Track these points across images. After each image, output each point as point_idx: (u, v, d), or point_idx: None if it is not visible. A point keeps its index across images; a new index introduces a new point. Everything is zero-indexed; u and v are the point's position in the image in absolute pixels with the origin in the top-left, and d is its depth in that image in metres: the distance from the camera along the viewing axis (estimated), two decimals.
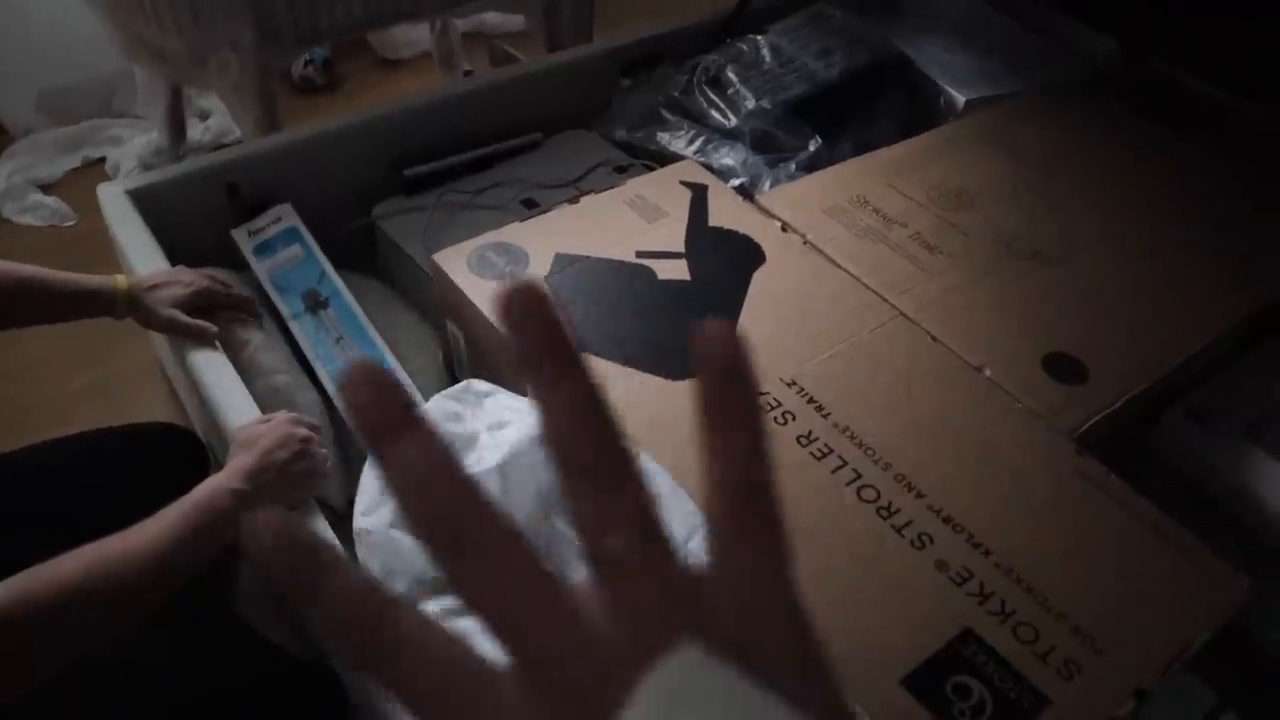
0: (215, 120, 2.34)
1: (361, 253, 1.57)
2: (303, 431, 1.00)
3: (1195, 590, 0.97)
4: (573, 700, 0.23)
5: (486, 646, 0.25)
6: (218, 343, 1.18)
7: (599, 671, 0.24)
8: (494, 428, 1.01)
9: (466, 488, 0.25)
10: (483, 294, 1.21)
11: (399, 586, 0.89)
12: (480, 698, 0.24)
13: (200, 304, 1.19)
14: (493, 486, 0.93)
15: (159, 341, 1.49)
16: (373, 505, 0.94)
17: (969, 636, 0.90)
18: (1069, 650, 0.90)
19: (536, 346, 0.26)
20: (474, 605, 0.25)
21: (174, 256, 1.30)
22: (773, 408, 1.08)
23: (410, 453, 0.25)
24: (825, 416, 1.08)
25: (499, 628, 0.24)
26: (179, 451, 1.31)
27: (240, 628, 1.29)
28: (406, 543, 0.91)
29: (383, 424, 0.25)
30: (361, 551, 0.92)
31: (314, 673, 1.15)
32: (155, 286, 1.18)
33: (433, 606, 0.89)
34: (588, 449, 0.26)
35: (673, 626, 0.24)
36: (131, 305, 1.16)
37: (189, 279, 1.19)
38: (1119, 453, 1.13)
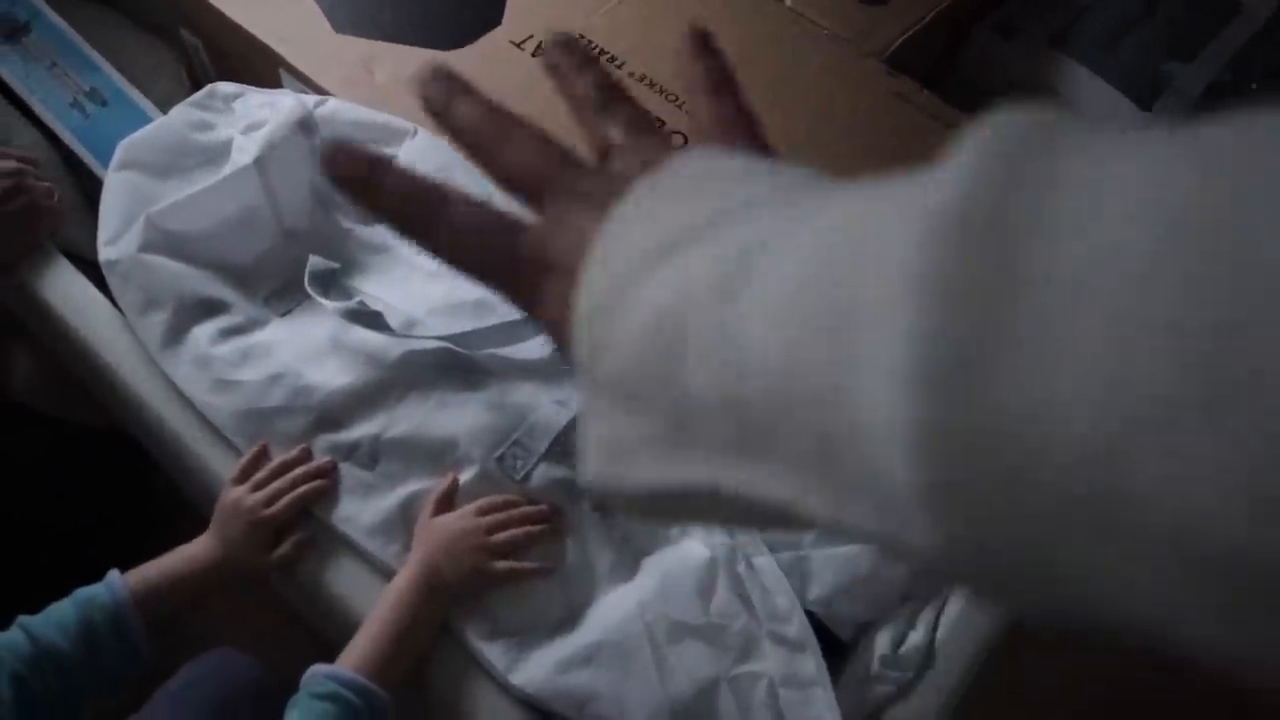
0: None
1: None
2: (9, 164, 0.84)
3: None
4: (586, 206, 0.27)
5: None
6: None
7: (607, 189, 0.27)
8: (249, 129, 0.88)
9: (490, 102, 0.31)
10: None
11: (163, 315, 0.78)
12: (511, 237, 0.29)
13: None
14: (251, 184, 0.81)
15: None
16: (116, 233, 0.81)
17: None
18: None
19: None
20: (505, 177, 0.30)
21: None
22: None
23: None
24: (620, 67, 0.98)
25: (527, 185, 0.30)
26: None
27: (28, 413, 1.17)
28: (160, 264, 0.79)
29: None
30: (115, 283, 0.80)
31: (109, 438, 1.05)
32: None
33: (208, 329, 0.79)
34: (586, 82, 0.32)
35: (669, 152, 0.28)
36: None
37: None
38: (931, 77, 1.08)
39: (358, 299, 0.79)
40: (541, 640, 0.69)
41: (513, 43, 0.99)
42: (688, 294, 0.23)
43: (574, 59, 0.33)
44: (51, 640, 0.63)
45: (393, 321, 0.77)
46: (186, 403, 0.78)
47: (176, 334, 0.79)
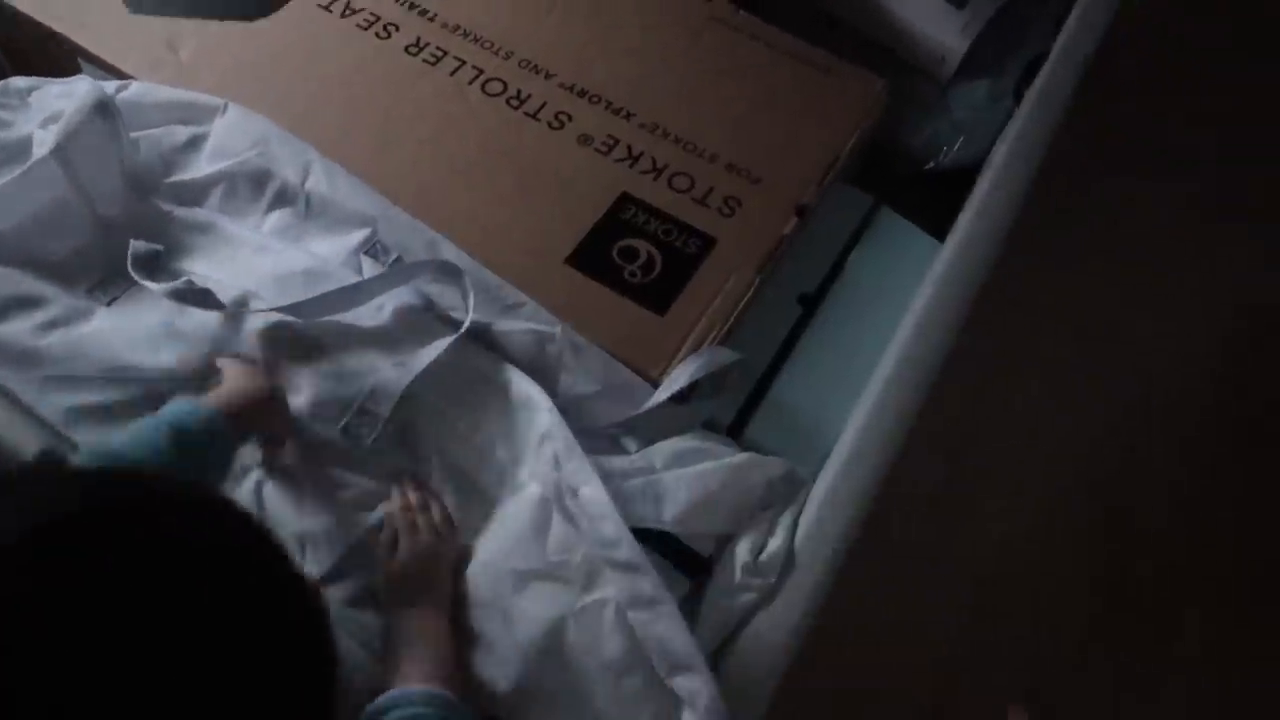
0: None
1: None
2: None
3: (836, 100, 0.97)
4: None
5: None
6: None
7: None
8: (48, 122, 0.84)
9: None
10: None
11: None
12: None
13: None
14: (54, 176, 0.78)
15: None
16: None
17: (626, 200, 0.87)
18: (727, 188, 0.89)
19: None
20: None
21: None
22: (371, 23, 0.95)
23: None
24: (431, 20, 0.96)
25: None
26: None
27: None
28: None
29: None
30: None
31: None
32: None
33: (26, 324, 0.75)
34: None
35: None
36: None
37: None
38: None
39: (185, 279, 0.77)
40: None
41: (320, 6, 0.97)
42: None
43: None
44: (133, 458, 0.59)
45: (224, 298, 0.75)
46: (10, 404, 0.75)
47: None
